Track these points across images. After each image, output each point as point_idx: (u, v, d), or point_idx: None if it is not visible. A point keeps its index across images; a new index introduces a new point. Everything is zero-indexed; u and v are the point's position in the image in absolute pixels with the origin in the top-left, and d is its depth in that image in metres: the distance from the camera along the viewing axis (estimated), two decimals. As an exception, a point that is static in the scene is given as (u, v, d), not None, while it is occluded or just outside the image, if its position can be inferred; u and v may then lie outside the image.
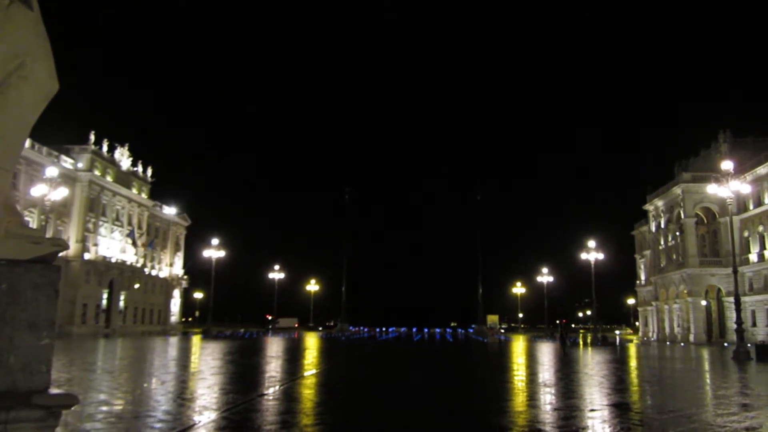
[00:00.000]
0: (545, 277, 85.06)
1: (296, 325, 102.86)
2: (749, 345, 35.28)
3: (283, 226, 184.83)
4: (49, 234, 60.18)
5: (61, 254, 3.48)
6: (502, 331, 78.37)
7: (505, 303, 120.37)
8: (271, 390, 14.89)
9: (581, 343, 57.56)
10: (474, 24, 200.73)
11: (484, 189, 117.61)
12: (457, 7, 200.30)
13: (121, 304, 77.37)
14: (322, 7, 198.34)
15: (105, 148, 74.24)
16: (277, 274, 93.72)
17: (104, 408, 10.94)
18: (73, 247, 66.87)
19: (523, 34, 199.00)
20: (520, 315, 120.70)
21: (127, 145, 79.48)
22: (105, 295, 73.50)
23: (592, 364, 26.93)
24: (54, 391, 3.16)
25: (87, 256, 68.72)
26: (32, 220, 57.76)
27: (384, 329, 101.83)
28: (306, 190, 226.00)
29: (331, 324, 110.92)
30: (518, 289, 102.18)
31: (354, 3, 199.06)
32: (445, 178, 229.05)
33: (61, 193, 44.76)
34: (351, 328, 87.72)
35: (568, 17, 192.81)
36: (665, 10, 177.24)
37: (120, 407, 11.34)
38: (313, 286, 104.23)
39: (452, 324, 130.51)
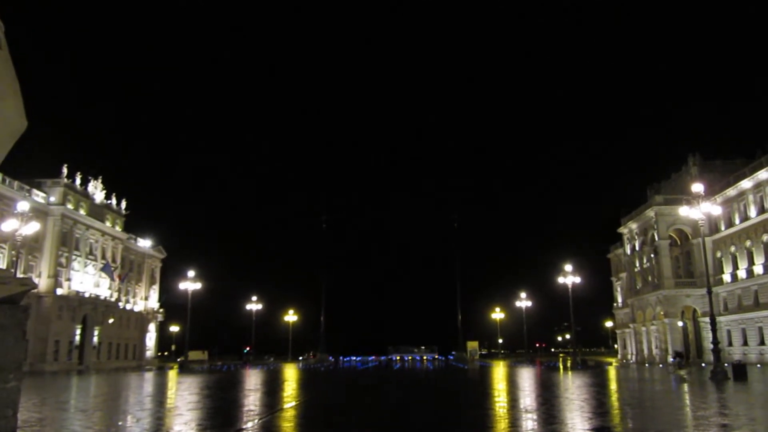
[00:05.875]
0: (524, 302, 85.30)
1: (272, 359, 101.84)
2: (726, 365, 35.63)
3: (259, 258, 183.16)
4: (20, 270, 58.97)
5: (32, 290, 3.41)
6: (476, 358, 78.34)
7: (485, 329, 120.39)
8: (250, 424, 14.61)
9: (561, 367, 57.53)
10: (447, 48, 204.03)
11: (461, 216, 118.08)
12: (424, 31, 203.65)
13: (95, 339, 75.80)
14: (305, 34, 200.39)
15: (78, 181, 73.53)
16: (254, 306, 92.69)
17: (77, 448, 10.62)
18: (45, 283, 65.59)
19: (497, 60, 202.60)
20: (500, 341, 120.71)
21: (100, 177, 78.86)
22: (78, 331, 71.98)
23: (573, 388, 26.94)
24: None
25: (59, 291, 67.41)
26: (3, 257, 56.58)
27: (364, 358, 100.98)
28: (282, 221, 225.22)
29: (310, 355, 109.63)
30: (497, 314, 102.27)
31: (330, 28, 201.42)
32: (422, 205, 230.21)
33: (32, 227, 43.84)
34: (330, 358, 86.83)
35: (538, 42, 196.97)
36: (644, 26, 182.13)
37: (93, 447, 11.02)
38: (291, 317, 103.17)
39: None
